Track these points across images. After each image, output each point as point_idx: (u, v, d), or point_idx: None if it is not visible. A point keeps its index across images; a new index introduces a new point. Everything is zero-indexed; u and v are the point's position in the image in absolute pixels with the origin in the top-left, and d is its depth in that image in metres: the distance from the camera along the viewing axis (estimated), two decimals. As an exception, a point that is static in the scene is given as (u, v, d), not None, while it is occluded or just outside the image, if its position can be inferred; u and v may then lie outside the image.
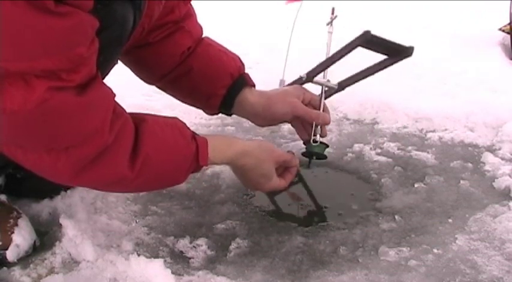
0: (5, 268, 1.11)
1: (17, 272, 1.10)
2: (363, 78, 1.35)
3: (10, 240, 1.12)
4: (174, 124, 1.05)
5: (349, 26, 2.57)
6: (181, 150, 1.03)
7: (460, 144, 1.55)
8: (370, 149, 1.54)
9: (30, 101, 0.78)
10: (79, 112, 0.85)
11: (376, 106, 1.69)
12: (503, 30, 2.28)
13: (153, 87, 2.03)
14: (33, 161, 0.89)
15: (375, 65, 1.34)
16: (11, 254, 1.12)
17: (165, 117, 1.06)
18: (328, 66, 1.30)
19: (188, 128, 1.07)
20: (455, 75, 1.93)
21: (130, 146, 0.94)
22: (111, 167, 0.93)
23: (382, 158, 1.49)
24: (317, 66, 1.30)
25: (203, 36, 1.28)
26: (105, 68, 1.00)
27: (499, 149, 1.50)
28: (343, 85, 1.36)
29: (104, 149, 0.90)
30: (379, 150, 1.53)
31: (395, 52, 1.28)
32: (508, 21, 2.22)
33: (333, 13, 1.31)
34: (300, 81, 1.31)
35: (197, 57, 1.24)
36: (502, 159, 1.45)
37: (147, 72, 1.29)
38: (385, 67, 1.32)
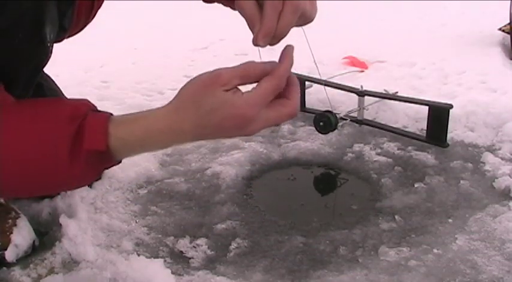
0: (4, 268, 1.11)
1: (16, 272, 1.10)
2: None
3: (9, 241, 1.12)
4: (50, 103, 0.83)
5: (348, 26, 2.59)
6: (43, 135, 0.77)
7: (460, 144, 1.55)
8: (370, 149, 1.54)
9: None
10: None
11: (376, 106, 1.68)
12: (503, 30, 2.27)
13: (153, 87, 2.01)
14: None
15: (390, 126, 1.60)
16: (10, 254, 1.11)
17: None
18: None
19: (81, 107, 0.79)
20: (455, 75, 1.93)
21: None
22: None
23: (382, 158, 1.49)
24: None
25: None
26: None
27: (499, 149, 1.50)
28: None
29: None
30: (379, 150, 1.53)
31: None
32: (508, 21, 2.22)
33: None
34: None
35: None
36: (502, 159, 1.45)
37: None
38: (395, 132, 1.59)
